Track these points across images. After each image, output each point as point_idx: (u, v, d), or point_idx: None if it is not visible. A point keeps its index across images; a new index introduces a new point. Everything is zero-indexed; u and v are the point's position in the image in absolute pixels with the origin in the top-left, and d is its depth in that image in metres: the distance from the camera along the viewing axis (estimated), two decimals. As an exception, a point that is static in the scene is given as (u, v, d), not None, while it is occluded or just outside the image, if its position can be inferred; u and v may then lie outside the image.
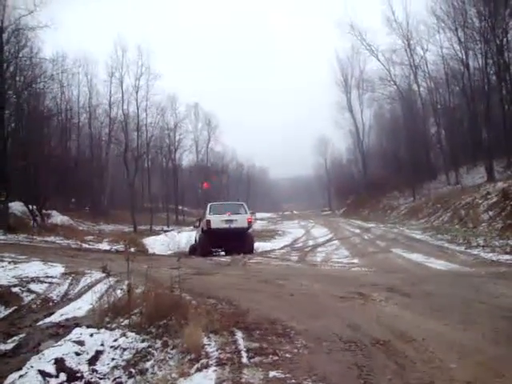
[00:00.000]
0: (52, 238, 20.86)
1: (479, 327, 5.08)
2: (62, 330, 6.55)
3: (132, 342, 5.25)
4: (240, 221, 16.62)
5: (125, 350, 5.13)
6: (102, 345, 5.23)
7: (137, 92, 44.03)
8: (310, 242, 20.53)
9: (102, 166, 46.93)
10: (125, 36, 60.40)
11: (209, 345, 4.74)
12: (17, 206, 27.72)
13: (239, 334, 4.99)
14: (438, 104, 41.73)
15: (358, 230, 25.41)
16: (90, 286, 9.31)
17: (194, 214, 49.01)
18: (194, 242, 20.16)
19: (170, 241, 24.40)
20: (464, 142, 37.08)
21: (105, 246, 20.26)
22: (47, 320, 7.26)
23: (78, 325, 6.26)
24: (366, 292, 7.16)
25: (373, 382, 3.67)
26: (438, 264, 11.62)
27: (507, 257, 11.47)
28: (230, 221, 16.44)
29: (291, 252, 17.08)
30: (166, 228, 39.64)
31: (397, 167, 44.76)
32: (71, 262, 12.57)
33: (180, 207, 53.97)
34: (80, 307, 7.67)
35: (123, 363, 4.86)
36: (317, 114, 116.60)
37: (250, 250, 16.75)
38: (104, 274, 10.53)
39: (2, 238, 20.47)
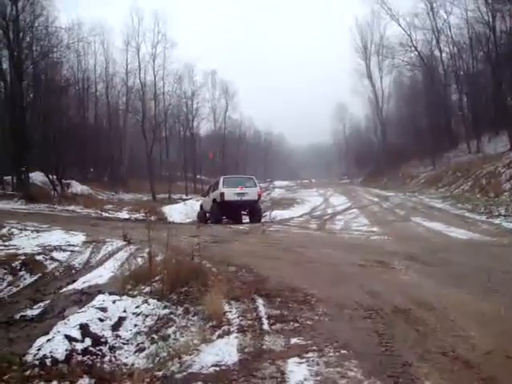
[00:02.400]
0: (72, 207, 21.14)
1: (501, 296, 5.05)
2: (84, 297, 6.67)
3: (154, 309, 5.32)
4: (251, 194, 17.61)
5: (147, 316, 5.20)
6: (125, 311, 5.31)
7: (154, 60, 43.74)
8: (329, 211, 20.44)
9: (120, 135, 46.94)
10: (141, 3, 59.33)
11: (230, 312, 4.80)
12: (37, 176, 28.12)
13: (260, 301, 5.03)
14: (461, 70, 40.47)
15: (376, 199, 25.19)
16: (111, 254, 9.46)
17: (212, 182, 48.81)
18: (199, 210, 21.02)
19: (188, 209, 24.60)
20: (487, 110, 36.06)
21: (124, 214, 20.47)
22: (70, 287, 7.40)
23: (100, 292, 6.37)
24: (386, 260, 7.14)
25: (394, 349, 3.68)
26: (459, 233, 11.45)
27: (530, 226, 11.26)
28: (242, 194, 17.44)
29: (310, 220, 17.07)
30: (184, 197, 39.79)
31: (416, 135, 43.92)
32: (92, 231, 12.72)
33: (198, 176, 54.04)
34: (102, 275, 7.79)
35: (145, 329, 4.93)
36: (336, 81, 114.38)
37: (258, 219, 17.94)
38: (125, 242, 10.78)
39: (24, 207, 20.82)
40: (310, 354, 3.59)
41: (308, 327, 4.25)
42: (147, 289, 6.05)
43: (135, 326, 5.07)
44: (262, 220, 18.60)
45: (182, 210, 25.25)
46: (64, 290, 7.37)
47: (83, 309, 5.48)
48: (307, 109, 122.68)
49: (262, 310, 4.73)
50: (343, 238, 11.77)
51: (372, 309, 4.69)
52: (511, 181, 18.58)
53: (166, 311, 5.26)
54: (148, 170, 42.42)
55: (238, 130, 70.43)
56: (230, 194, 17.13)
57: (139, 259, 8.92)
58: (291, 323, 4.34)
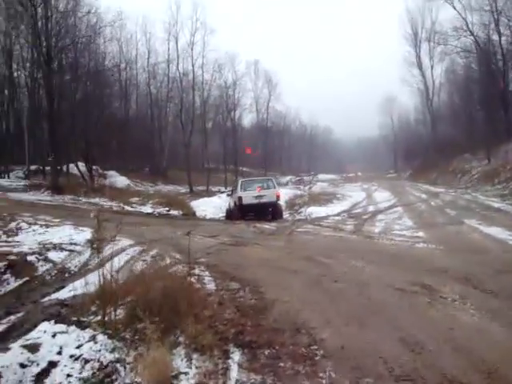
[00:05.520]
0: (97, 200, 19.98)
1: None
2: (65, 310, 5.40)
3: (100, 351, 3.82)
4: (269, 195, 17.76)
5: (87, 362, 3.70)
6: (60, 353, 3.84)
7: (192, 48, 42.51)
8: (370, 208, 18.46)
9: (161, 126, 46.27)
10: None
11: (185, 374, 3.14)
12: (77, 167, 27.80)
13: (236, 357, 3.34)
14: (522, 55, 37.18)
15: (424, 195, 22.95)
16: (113, 256, 8.13)
17: (255, 174, 47.36)
18: (228, 207, 20.59)
19: (222, 203, 23.18)
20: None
21: (148, 208, 19.21)
22: (54, 296, 6.22)
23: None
24: (433, 283, 5.31)
25: None
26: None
27: None
28: (260, 196, 17.63)
29: (347, 220, 15.19)
30: (222, 189, 38.54)
31: (469, 127, 40.90)
32: (103, 227, 11.52)
33: (240, 168, 52.63)
34: (94, 281, 6.50)
35: (78, 384, 3.45)
36: (385, 72, 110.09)
37: (280, 218, 17.84)
38: (132, 242, 9.63)
39: (49, 199, 20.02)
40: None
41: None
42: (109, 316, 4.55)
43: (67, 376, 3.58)
44: (297, 217, 17.80)
45: (216, 204, 23.91)
46: (46, 299, 6.13)
47: (10, 346, 4.07)
48: (355, 101, 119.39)
49: (234, 375, 3.05)
50: (382, 244, 9.83)
51: (408, 377, 2.97)
52: None
53: (113, 356, 3.73)
54: (186, 162, 41.46)
55: (283, 122, 68.81)
56: (248, 197, 17.50)
57: (140, 263, 7.68)
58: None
